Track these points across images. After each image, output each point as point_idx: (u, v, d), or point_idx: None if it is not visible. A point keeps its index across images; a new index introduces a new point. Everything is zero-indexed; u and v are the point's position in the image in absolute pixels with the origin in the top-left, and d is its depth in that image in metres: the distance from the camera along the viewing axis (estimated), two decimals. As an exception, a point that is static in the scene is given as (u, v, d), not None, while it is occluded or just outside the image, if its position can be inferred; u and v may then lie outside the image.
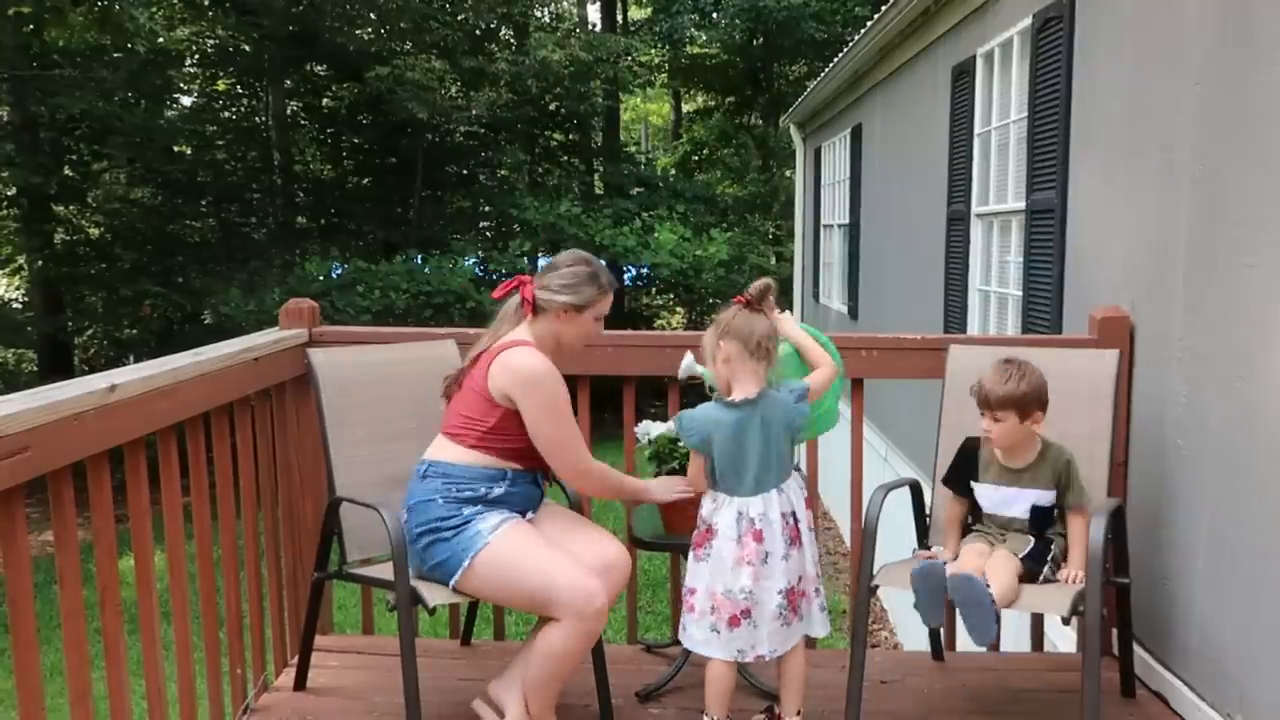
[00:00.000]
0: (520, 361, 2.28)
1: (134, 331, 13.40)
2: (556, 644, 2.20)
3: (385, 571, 2.34)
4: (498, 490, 2.31)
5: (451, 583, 2.25)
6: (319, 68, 14.76)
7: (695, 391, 2.65)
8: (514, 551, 2.23)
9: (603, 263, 2.49)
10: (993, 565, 2.35)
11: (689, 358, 2.61)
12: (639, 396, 3.04)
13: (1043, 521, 2.44)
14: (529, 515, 2.40)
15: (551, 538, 2.34)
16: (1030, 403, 2.38)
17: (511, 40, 15.59)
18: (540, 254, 14.63)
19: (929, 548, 2.63)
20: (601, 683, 2.48)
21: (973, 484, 2.50)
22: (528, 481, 2.38)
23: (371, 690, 2.68)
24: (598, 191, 16.58)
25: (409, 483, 2.36)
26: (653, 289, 17.80)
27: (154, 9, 13.24)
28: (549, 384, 2.27)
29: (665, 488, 2.49)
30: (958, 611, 2.30)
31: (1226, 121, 2.45)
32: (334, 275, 12.60)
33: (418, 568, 2.31)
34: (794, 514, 2.31)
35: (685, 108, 21.17)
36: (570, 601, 2.17)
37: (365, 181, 15.78)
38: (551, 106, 15.93)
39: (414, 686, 2.21)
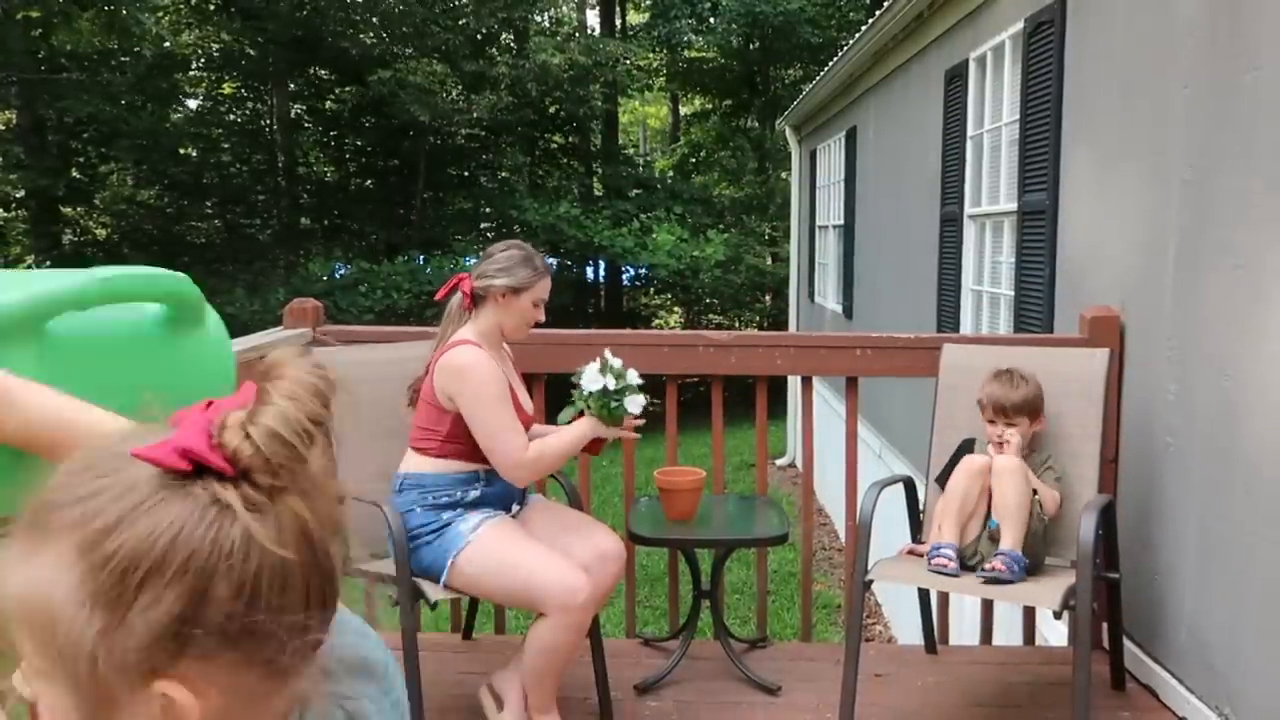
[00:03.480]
0: (451, 359, 2.30)
1: (139, 332, 13.46)
2: (544, 639, 2.23)
3: (387, 567, 2.38)
4: (474, 492, 2.33)
5: (440, 583, 2.29)
6: (322, 71, 14.84)
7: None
8: (494, 550, 2.25)
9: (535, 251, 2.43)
10: (999, 485, 2.45)
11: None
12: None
13: None
14: (514, 510, 2.43)
15: (544, 533, 2.37)
16: (1039, 403, 2.54)
17: (512, 44, 15.65)
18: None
19: (922, 543, 2.68)
20: (601, 676, 2.51)
21: None
22: (503, 479, 2.38)
23: (374, 684, 2.72)
24: (597, 193, 16.64)
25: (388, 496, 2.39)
26: (650, 289, 17.87)
27: (160, 13, 13.31)
28: (476, 376, 2.27)
29: (596, 427, 2.34)
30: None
31: (1215, 124, 2.48)
32: (337, 275, 12.69)
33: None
34: None
35: (683, 110, 21.21)
36: (554, 596, 2.19)
37: (368, 183, 15.86)
38: (551, 109, 16.00)
39: (416, 679, 2.26)
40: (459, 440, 2.31)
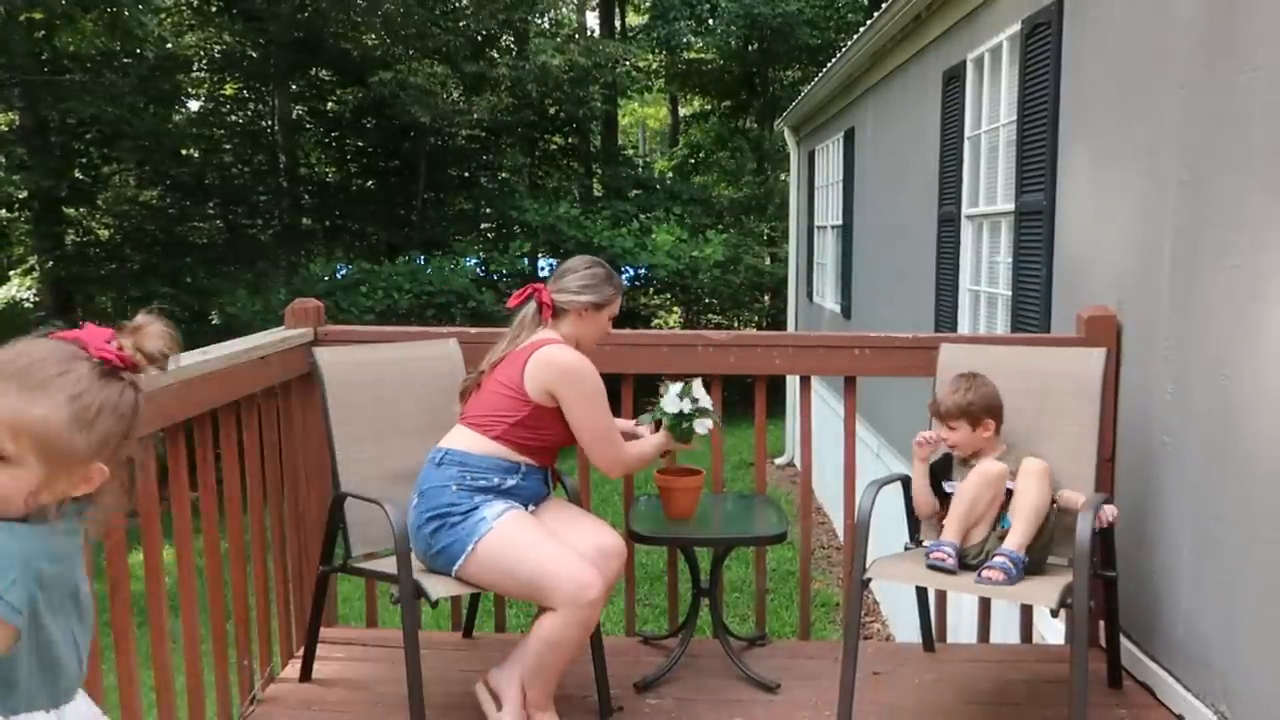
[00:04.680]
0: (562, 357, 2.38)
1: (142, 331, 13.49)
2: (552, 633, 2.25)
3: (389, 565, 2.39)
4: (510, 482, 2.38)
5: (454, 569, 2.31)
6: (324, 72, 14.86)
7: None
8: (514, 540, 2.29)
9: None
10: (1025, 484, 2.48)
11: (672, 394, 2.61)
12: (637, 394, 3.09)
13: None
14: (531, 508, 2.46)
15: (550, 528, 2.39)
16: (978, 411, 2.56)
17: (512, 46, 15.67)
18: (540, 255, 14.77)
19: (920, 542, 2.70)
20: (600, 674, 2.52)
21: (944, 483, 2.63)
22: (539, 478, 2.46)
23: (375, 681, 2.74)
24: (596, 194, 16.67)
25: (423, 468, 2.42)
26: (650, 289, 17.87)
27: (163, 15, 13.34)
28: (591, 378, 2.39)
29: (668, 441, 2.62)
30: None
31: (1211, 124, 2.49)
32: (338, 276, 12.73)
33: (423, 554, 2.36)
34: None
35: (682, 112, 21.23)
36: (565, 591, 2.22)
37: (369, 184, 15.90)
38: (551, 110, 16.03)
39: (417, 677, 2.26)
40: (525, 431, 2.38)
